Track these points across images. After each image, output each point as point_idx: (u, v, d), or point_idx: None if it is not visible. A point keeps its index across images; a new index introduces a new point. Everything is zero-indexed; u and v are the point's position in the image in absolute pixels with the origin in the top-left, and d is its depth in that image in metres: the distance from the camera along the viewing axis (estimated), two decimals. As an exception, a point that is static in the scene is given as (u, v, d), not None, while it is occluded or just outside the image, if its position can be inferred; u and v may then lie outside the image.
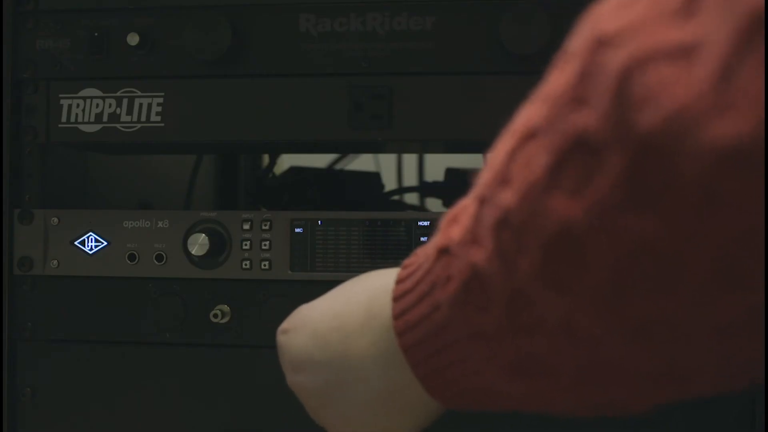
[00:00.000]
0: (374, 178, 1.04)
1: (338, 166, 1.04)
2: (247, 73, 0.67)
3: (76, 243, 0.69)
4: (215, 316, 0.67)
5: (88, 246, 0.69)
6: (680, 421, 0.64)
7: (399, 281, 0.42)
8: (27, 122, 0.69)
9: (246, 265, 0.67)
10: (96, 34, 0.67)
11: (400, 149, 0.87)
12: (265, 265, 0.67)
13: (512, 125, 0.34)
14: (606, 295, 0.29)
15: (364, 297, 0.46)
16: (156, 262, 0.68)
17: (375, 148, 0.88)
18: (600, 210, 0.28)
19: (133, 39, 0.66)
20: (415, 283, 0.40)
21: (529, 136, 0.31)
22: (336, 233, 0.66)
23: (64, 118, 0.69)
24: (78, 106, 0.68)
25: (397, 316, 0.41)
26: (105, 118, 0.68)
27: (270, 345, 0.67)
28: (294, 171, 0.99)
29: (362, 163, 1.09)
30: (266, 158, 1.09)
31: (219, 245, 0.67)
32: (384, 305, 0.43)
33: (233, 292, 0.67)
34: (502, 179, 0.32)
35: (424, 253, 0.41)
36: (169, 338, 0.68)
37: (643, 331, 0.30)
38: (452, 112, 0.64)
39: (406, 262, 0.43)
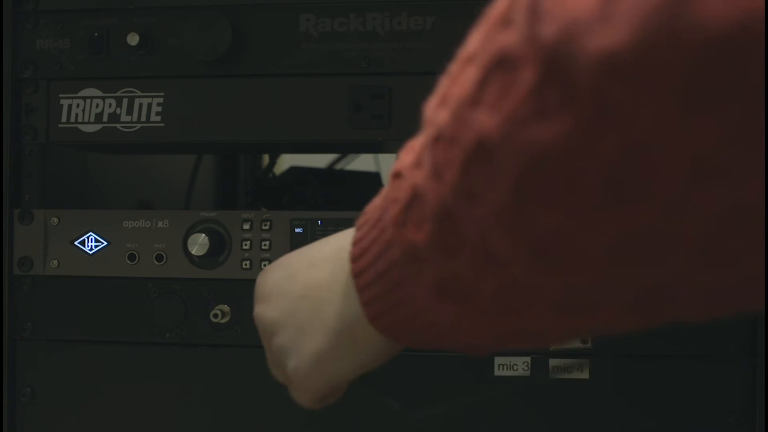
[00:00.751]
0: (374, 178, 1.04)
1: (338, 166, 1.04)
2: (247, 73, 0.67)
3: (76, 243, 0.69)
4: (215, 316, 0.67)
5: (88, 246, 0.69)
6: (681, 422, 0.64)
7: (363, 213, 0.43)
8: (27, 122, 0.69)
9: (246, 265, 0.67)
10: (96, 34, 0.67)
11: (400, 149, 0.87)
12: (265, 265, 0.67)
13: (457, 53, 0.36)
14: (511, 208, 0.31)
15: (339, 235, 0.48)
16: (156, 262, 0.68)
17: (375, 148, 0.88)
18: (511, 122, 0.29)
19: (133, 39, 0.66)
20: (371, 210, 0.42)
21: (467, 60, 0.34)
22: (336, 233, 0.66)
23: (64, 118, 0.69)
24: (78, 106, 0.68)
25: (354, 242, 0.42)
26: (105, 118, 0.68)
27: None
28: (294, 171, 0.99)
29: (362, 163, 1.09)
30: (266, 158, 1.09)
31: (219, 245, 0.67)
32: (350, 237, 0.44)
33: (233, 292, 0.67)
34: (442, 101, 0.35)
35: (378, 196, 0.42)
36: (169, 338, 0.68)
37: (546, 253, 0.31)
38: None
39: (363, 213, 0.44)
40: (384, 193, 0.41)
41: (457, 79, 0.34)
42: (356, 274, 0.42)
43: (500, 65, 0.30)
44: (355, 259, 0.42)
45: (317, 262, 0.47)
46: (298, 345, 0.47)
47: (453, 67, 0.35)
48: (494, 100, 0.30)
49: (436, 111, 0.35)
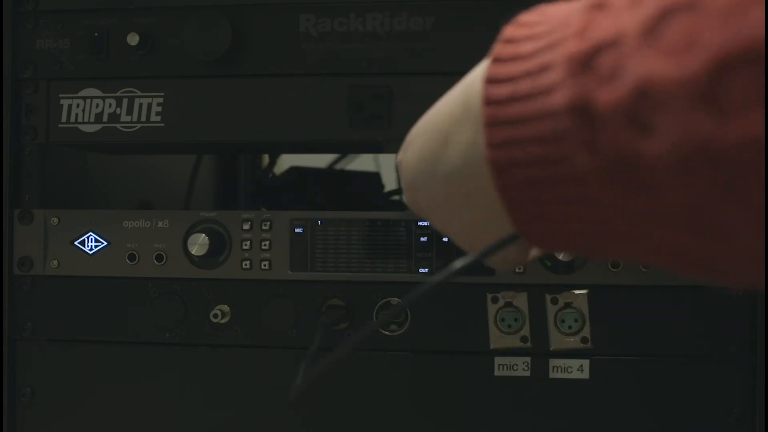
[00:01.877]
0: (374, 178, 1.04)
1: (338, 166, 1.04)
2: (247, 73, 0.67)
3: (76, 243, 0.69)
4: (215, 316, 0.67)
5: (88, 246, 0.69)
6: (681, 422, 0.64)
7: (512, 32, 0.34)
8: (27, 122, 0.69)
9: (246, 265, 0.67)
10: (96, 34, 0.67)
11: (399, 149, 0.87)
12: (265, 265, 0.67)
13: None
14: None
15: (460, 89, 0.40)
16: (156, 262, 0.68)
17: (375, 148, 0.88)
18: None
19: (133, 39, 0.66)
20: (528, 45, 0.33)
21: None
22: (336, 233, 0.66)
23: (64, 118, 0.69)
24: (78, 106, 0.68)
25: (494, 58, 0.34)
26: (105, 118, 0.68)
27: (270, 345, 0.67)
28: (294, 171, 0.99)
29: (362, 163, 1.09)
30: (266, 158, 1.09)
31: (219, 245, 0.67)
32: (477, 93, 0.36)
33: (233, 292, 0.67)
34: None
35: (553, 13, 0.33)
36: (169, 338, 0.68)
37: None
38: (452, 112, 0.64)
39: (516, 23, 0.35)
40: (558, 13, 0.32)
41: None
42: (490, 101, 0.33)
43: None
44: (492, 80, 0.33)
45: (444, 131, 0.41)
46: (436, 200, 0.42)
47: None
48: None
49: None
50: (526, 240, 0.36)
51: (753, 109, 0.25)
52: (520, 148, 0.31)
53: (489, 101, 0.33)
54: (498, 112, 0.32)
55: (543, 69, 0.31)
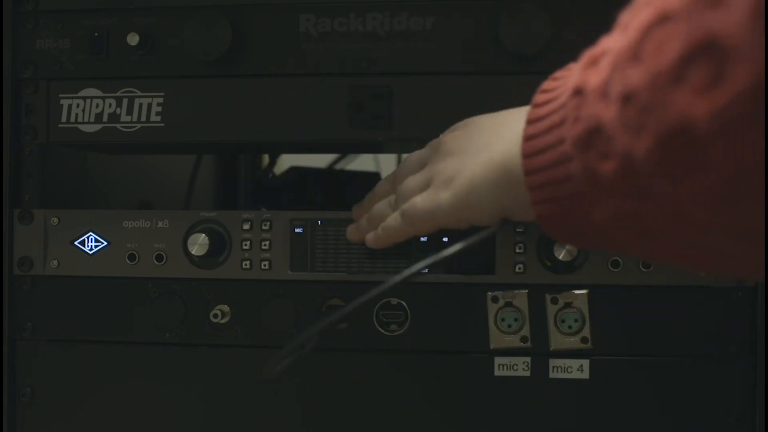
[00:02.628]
0: (374, 178, 1.04)
1: (338, 166, 1.05)
2: (247, 73, 0.67)
3: (76, 243, 0.69)
4: (215, 316, 0.67)
5: (88, 246, 0.69)
6: (681, 422, 0.64)
7: (535, 105, 0.45)
8: (27, 122, 0.69)
9: (246, 265, 0.67)
10: (96, 34, 0.67)
11: (400, 149, 0.87)
12: (265, 265, 0.67)
13: None
14: (720, 195, 0.31)
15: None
16: (156, 262, 0.68)
17: (375, 148, 0.88)
18: (724, 117, 0.29)
19: (133, 39, 0.66)
20: (548, 113, 0.43)
21: (666, 17, 0.32)
22: (336, 233, 0.66)
23: (64, 118, 0.69)
24: (78, 106, 0.68)
25: (526, 137, 0.45)
26: (105, 118, 0.68)
27: (270, 345, 0.67)
28: (294, 171, 0.99)
29: (362, 163, 1.09)
30: (266, 158, 1.09)
31: (219, 245, 0.67)
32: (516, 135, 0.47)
33: (233, 292, 0.67)
34: (634, 54, 0.34)
35: (563, 83, 0.43)
36: (169, 338, 0.68)
37: (748, 232, 0.32)
38: (452, 112, 0.64)
39: (545, 86, 0.46)
40: (561, 98, 0.42)
41: (654, 36, 0.32)
42: (529, 171, 0.44)
43: (709, 48, 0.29)
44: (527, 155, 0.44)
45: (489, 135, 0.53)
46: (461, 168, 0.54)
47: (646, 11, 0.33)
48: (702, 86, 0.29)
49: (627, 62, 0.34)
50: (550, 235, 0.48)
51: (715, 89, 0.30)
52: (557, 203, 0.43)
53: (527, 171, 0.45)
54: (535, 179, 0.44)
55: (559, 142, 0.41)
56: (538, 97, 0.45)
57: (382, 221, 0.62)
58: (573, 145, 0.40)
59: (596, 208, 0.40)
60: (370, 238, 0.63)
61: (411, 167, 0.61)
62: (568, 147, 0.40)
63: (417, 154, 0.61)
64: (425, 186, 0.58)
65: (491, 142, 0.52)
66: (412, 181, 0.59)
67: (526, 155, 0.44)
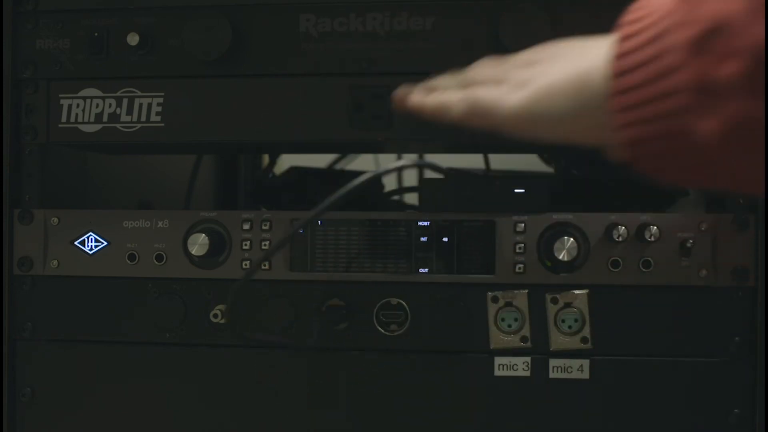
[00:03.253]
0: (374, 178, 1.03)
1: (338, 166, 1.04)
2: (247, 73, 0.67)
3: (76, 243, 0.69)
4: (215, 316, 0.67)
5: (88, 246, 0.69)
6: (681, 421, 0.64)
7: (626, 23, 0.42)
8: (27, 122, 0.69)
9: (246, 265, 0.67)
10: (96, 34, 0.67)
11: (400, 149, 0.87)
12: (264, 265, 0.67)
13: None
14: None
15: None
16: (156, 262, 0.68)
17: (375, 148, 0.88)
18: None
19: (133, 39, 0.66)
20: (644, 27, 0.40)
21: None
22: (336, 233, 0.66)
23: (64, 118, 0.69)
24: (78, 106, 0.68)
25: (618, 55, 0.41)
26: (105, 118, 0.68)
27: (270, 345, 0.67)
28: (294, 171, 0.99)
29: (362, 163, 1.09)
30: (266, 158, 1.09)
31: (219, 245, 0.67)
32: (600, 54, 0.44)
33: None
34: None
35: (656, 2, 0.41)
36: (169, 338, 0.68)
37: None
38: (452, 112, 0.64)
39: (632, 6, 0.43)
40: (658, 9, 0.40)
41: None
42: (620, 91, 0.41)
43: None
44: (620, 73, 0.41)
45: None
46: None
47: None
48: None
49: None
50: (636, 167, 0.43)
51: None
52: (654, 123, 0.39)
53: (617, 91, 0.41)
54: (627, 100, 0.40)
55: (660, 55, 0.38)
56: (629, 17, 0.42)
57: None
58: (683, 52, 0.37)
59: (704, 120, 0.37)
60: (415, 98, 0.59)
61: (487, 64, 0.57)
62: (675, 57, 0.37)
63: (494, 58, 0.57)
64: (497, 83, 0.54)
65: (576, 56, 0.48)
66: (486, 71, 0.56)
67: (619, 73, 0.41)
